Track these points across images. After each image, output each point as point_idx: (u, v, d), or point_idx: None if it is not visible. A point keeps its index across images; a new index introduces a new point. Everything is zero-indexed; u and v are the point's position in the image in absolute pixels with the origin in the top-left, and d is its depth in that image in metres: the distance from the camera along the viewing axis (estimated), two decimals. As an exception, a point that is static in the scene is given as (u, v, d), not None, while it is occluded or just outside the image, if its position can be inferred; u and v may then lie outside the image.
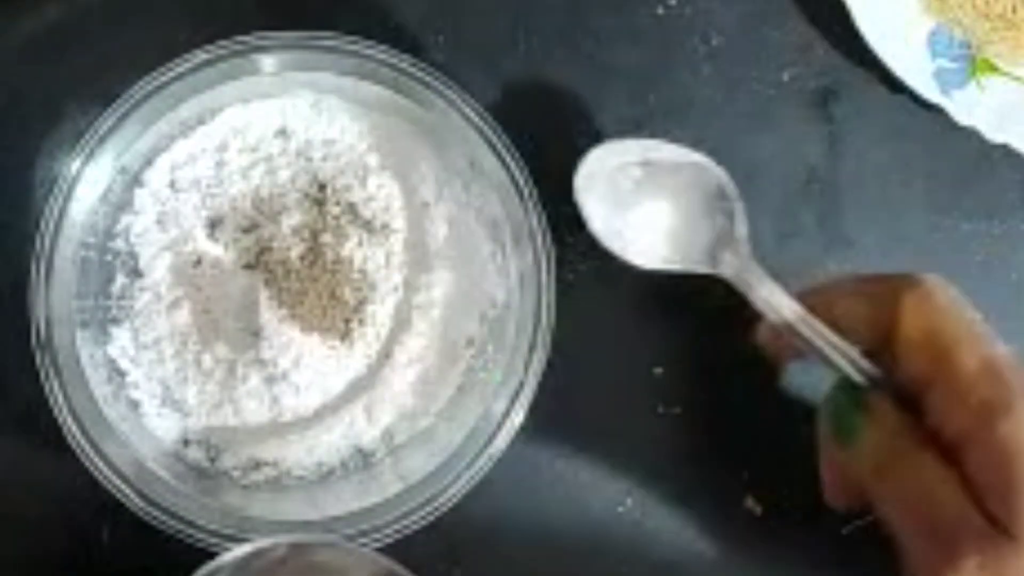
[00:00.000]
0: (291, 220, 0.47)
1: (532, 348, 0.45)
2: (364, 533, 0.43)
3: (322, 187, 0.47)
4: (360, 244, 0.47)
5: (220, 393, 0.46)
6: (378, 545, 0.43)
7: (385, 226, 0.47)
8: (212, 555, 0.39)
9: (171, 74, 0.44)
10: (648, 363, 0.49)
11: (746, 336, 0.45)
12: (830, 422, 0.42)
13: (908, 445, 0.39)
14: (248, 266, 0.47)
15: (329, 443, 0.46)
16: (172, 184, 0.47)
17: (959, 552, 0.36)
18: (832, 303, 0.42)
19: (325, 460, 0.47)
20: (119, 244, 0.47)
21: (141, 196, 0.47)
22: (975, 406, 0.37)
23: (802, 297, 0.42)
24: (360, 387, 0.47)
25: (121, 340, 0.46)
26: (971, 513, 0.36)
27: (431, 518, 0.45)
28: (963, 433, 0.37)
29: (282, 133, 0.47)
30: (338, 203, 0.47)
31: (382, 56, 0.45)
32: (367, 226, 0.47)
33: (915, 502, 0.38)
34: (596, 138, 0.49)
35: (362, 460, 0.47)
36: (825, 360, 0.41)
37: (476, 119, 0.45)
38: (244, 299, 0.47)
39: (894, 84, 0.49)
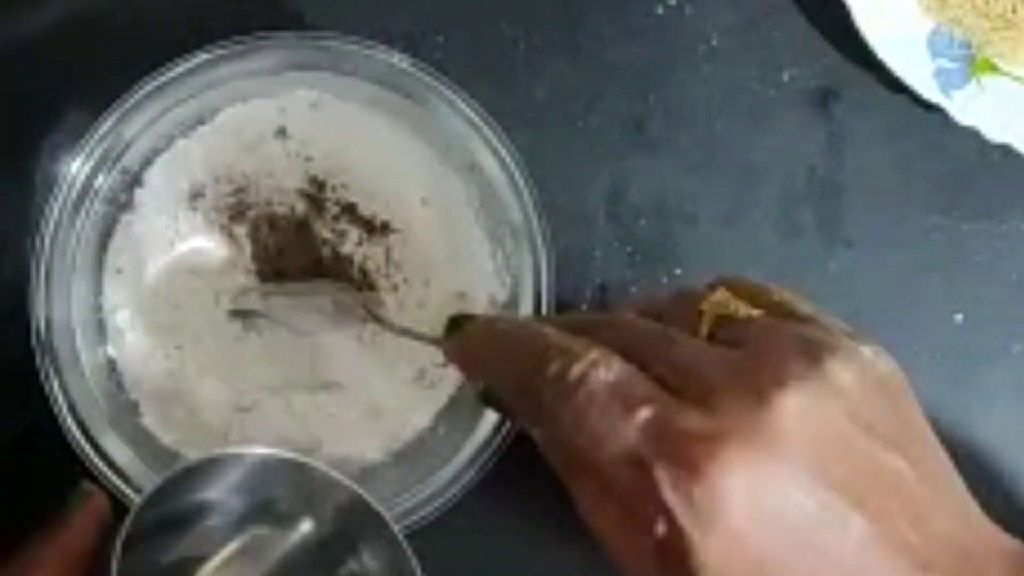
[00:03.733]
0: (291, 220, 0.47)
1: (532, 348, 0.45)
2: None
3: (321, 186, 0.47)
4: (360, 243, 0.47)
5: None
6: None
7: (385, 225, 0.47)
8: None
9: (171, 74, 0.44)
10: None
11: None
12: None
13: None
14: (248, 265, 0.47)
15: (329, 443, 0.47)
16: (172, 184, 0.47)
17: None
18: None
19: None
20: (119, 243, 0.47)
21: (141, 196, 0.47)
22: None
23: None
24: (360, 387, 0.47)
25: (121, 340, 0.46)
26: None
27: (431, 518, 0.45)
28: None
29: (282, 133, 0.47)
30: (338, 202, 0.47)
31: (382, 56, 0.45)
32: (367, 225, 0.47)
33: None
34: (596, 137, 0.49)
35: (362, 460, 0.47)
36: None
37: (476, 119, 0.45)
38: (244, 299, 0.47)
39: (894, 84, 0.49)
